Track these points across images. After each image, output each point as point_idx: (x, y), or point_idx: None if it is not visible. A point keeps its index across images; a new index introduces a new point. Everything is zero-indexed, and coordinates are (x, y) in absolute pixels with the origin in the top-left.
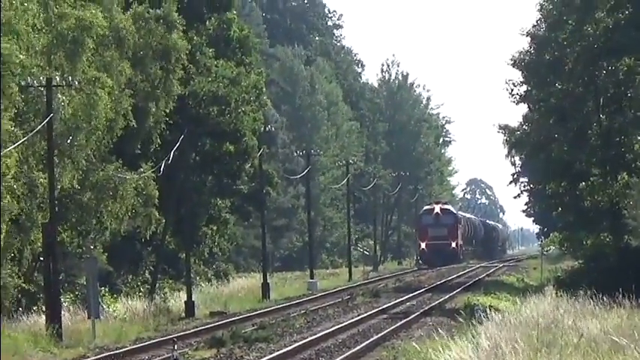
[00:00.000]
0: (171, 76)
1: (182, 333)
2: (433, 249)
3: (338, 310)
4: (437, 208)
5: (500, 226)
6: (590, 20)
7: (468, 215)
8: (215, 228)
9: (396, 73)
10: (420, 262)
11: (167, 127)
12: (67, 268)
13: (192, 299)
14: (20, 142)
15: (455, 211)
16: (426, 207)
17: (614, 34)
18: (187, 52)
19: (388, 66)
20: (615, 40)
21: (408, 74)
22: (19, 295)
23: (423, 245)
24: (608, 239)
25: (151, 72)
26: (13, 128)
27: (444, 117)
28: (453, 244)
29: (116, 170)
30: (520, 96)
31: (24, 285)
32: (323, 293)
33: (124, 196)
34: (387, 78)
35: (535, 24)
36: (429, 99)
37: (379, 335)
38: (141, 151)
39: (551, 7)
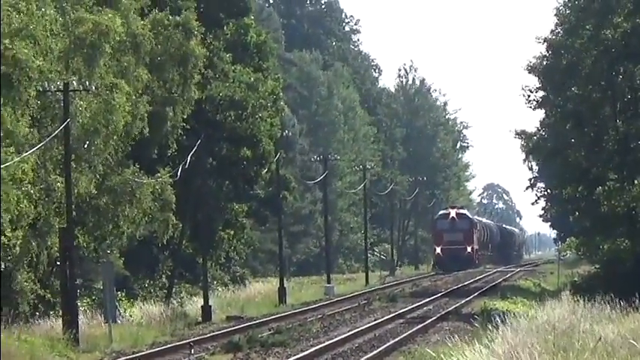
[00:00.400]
0: (189, 82)
1: (199, 337)
2: (448, 254)
3: (355, 315)
4: (452, 213)
5: (516, 230)
6: (607, 25)
7: (484, 220)
8: (232, 232)
9: (414, 78)
10: (436, 266)
11: (184, 131)
12: (84, 273)
13: (209, 304)
14: (37, 147)
15: (470, 216)
16: (441, 212)
17: (632, 39)
18: (205, 58)
19: (406, 71)
20: (633, 45)
21: (424, 79)
22: (36, 300)
23: (438, 250)
24: (624, 244)
25: (169, 78)
26: (30, 130)
27: (461, 122)
28: (469, 249)
29: (133, 175)
30: (537, 102)
31: (40, 291)
32: (340, 298)
33: (141, 201)
34: (404, 83)
35: (552, 29)
36: (445, 104)
37: (396, 340)
38: (158, 155)
39: (568, 11)
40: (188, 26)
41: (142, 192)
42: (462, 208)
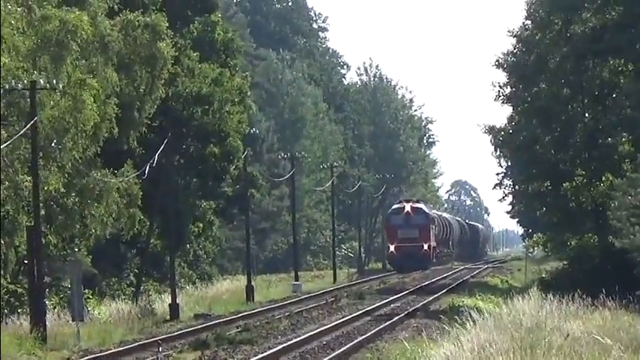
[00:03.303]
0: (157, 81)
1: (166, 335)
2: (403, 252)
3: (322, 312)
4: (407, 207)
5: (480, 225)
6: (576, 20)
7: (443, 214)
8: (201, 226)
9: (376, 75)
10: (389, 265)
11: (151, 129)
12: (52, 271)
13: (177, 302)
14: (5, 145)
15: (427, 210)
16: (395, 205)
17: (602, 36)
18: (172, 57)
19: (366, 69)
20: (602, 41)
21: (385, 76)
22: (8, 297)
23: (392, 248)
24: (592, 240)
25: (137, 76)
26: None
27: (426, 117)
28: (425, 247)
29: (102, 175)
30: (506, 97)
31: (10, 286)
32: (307, 295)
33: (108, 201)
34: (367, 81)
35: (522, 24)
36: (411, 100)
37: (363, 337)
38: (125, 153)
39: (537, 6)
40: (158, 28)
41: (109, 190)
42: (418, 201)
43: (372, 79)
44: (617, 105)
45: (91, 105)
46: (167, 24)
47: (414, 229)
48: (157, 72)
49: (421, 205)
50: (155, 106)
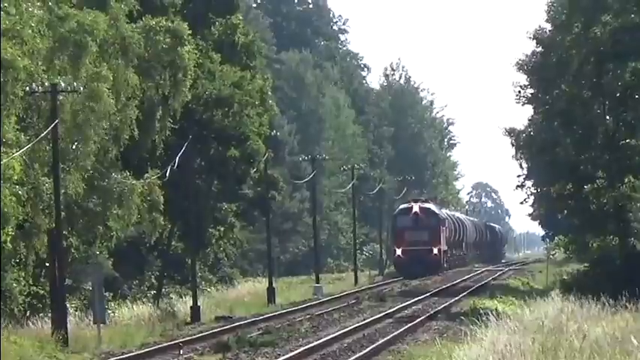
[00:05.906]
0: (180, 85)
1: (188, 338)
2: (411, 256)
3: (344, 315)
4: (415, 207)
5: (497, 227)
6: (596, 22)
7: (456, 214)
8: (222, 229)
9: (399, 77)
10: (396, 271)
11: (173, 132)
12: (73, 274)
13: (198, 304)
14: (24, 149)
15: (437, 211)
16: (402, 206)
17: (621, 37)
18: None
19: (392, 69)
20: (622, 43)
21: (410, 77)
22: (29, 300)
23: (398, 252)
24: (614, 242)
25: (159, 80)
26: (17, 132)
27: (447, 119)
28: (435, 251)
29: (123, 178)
30: (526, 98)
31: (31, 289)
32: (329, 298)
33: (130, 204)
34: (390, 82)
35: (542, 26)
36: (432, 102)
37: (385, 339)
38: (147, 156)
39: (559, 8)
40: (179, 33)
41: (131, 193)
42: (426, 201)
43: (397, 80)
44: (639, 106)
45: (108, 99)
46: (189, 30)
47: (422, 232)
48: (180, 76)
49: (430, 206)
50: (179, 110)
